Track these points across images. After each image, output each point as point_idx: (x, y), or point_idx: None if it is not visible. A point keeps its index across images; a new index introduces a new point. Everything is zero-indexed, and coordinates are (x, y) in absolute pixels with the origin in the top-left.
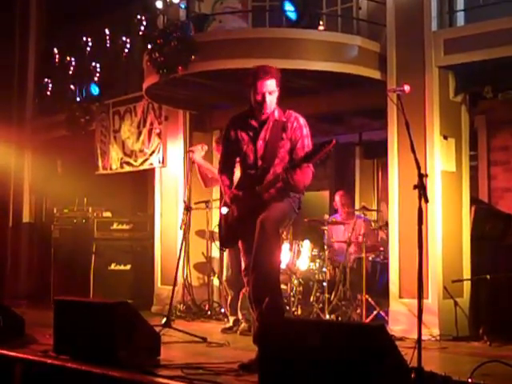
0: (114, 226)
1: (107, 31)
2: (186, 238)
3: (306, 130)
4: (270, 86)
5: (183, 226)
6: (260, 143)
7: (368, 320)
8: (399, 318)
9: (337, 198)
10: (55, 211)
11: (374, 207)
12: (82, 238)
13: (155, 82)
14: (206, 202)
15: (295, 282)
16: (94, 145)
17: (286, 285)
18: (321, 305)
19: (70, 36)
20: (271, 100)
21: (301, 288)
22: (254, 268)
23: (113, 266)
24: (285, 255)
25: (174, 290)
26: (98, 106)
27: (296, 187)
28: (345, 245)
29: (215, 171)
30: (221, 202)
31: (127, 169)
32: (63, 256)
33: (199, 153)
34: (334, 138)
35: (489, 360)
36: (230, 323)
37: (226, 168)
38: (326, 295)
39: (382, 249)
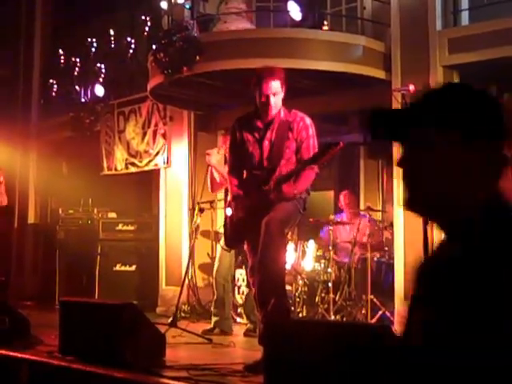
0: (119, 227)
1: (112, 32)
2: (195, 239)
3: (311, 131)
4: (275, 87)
5: (195, 227)
6: (266, 144)
7: (373, 320)
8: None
9: (341, 198)
10: (60, 212)
11: (379, 207)
12: (87, 239)
13: (160, 83)
14: (211, 203)
15: (300, 282)
16: (99, 145)
17: (291, 285)
18: (326, 305)
19: (75, 37)
20: (276, 101)
21: (306, 288)
22: (259, 269)
23: (118, 267)
24: (290, 256)
25: (181, 290)
26: (102, 107)
27: (287, 197)
28: (350, 245)
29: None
30: (225, 203)
31: (132, 169)
32: (68, 257)
33: (215, 156)
34: (341, 141)
35: None
36: (212, 324)
37: (234, 169)
38: (331, 296)
39: (386, 249)
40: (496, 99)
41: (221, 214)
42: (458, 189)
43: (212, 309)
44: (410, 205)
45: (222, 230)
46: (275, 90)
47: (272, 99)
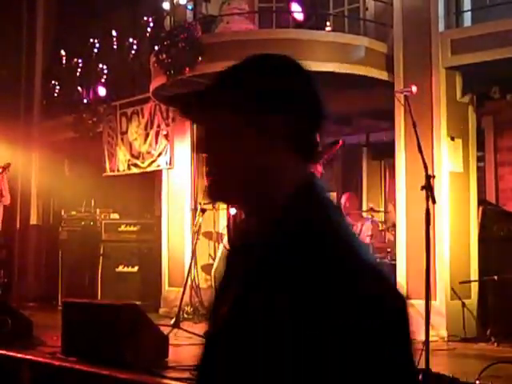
0: (122, 228)
1: (114, 33)
2: (197, 240)
3: None
4: None
5: (197, 229)
6: None
7: None
8: None
9: (342, 200)
10: (63, 213)
11: (382, 208)
12: (90, 240)
13: (162, 84)
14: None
15: None
16: (102, 146)
17: None
18: None
19: (77, 38)
20: None
21: None
22: None
23: (120, 268)
24: None
25: (184, 291)
26: (105, 108)
27: None
28: None
29: None
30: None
31: (134, 170)
32: (71, 258)
33: None
34: (341, 139)
35: (497, 361)
36: None
37: None
38: None
39: (389, 250)
40: (302, 71)
41: (223, 215)
42: (254, 174)
43: (201, 309)
44: (209, 194)
45: (225, 231)
46: None
47: None
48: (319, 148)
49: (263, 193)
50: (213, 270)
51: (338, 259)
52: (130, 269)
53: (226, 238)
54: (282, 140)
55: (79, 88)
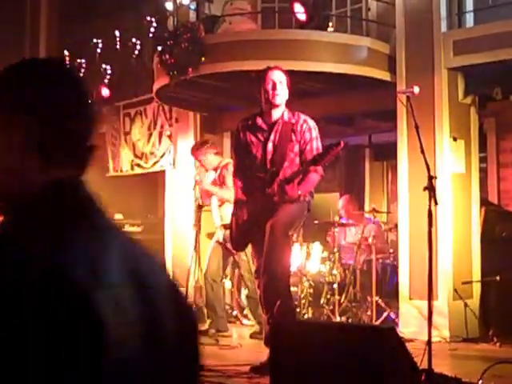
0: (125, 228)
1: (117, 33)
2: (198, 238)
3: (315, 133)
4: (280, 75)
5: (197, 228)
6: (269, 146)
7: (378, 322)
8: (409, 320)
9: (340, 203)
10: None
11: (384, 209)
12: None
13: (165, 84)
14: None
15: (305, 284)
16: (105, 147)
17: (297, 287)
18: (331, 307)
19: (80, 38)
20: (281, 91)
21: (311, 290)
22: (265, 271)
23: None
24: (295, 257)
25: (187, 291)
26: (108, 109)
27: (291, 198)
28: (355, 247)
29: (223, 194)
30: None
31: (138, 171)
32: None
33: (205, 177)
34: (342, 141)
35: (499, 361)
36: (207, 325)
37: (239, 170)
38: (337, 297)
39: (391, 251)
40: (58, 76)
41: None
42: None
43: (204, 310)
44: None
45: (220, 229)
46: (280, 78)
47: (278, 86)
48: (87, 153)
49: (9, 193)
50: (203, 271)
51: (32, 263)
52: None
53: (219, 235)
54: (25, 141)
55: None
